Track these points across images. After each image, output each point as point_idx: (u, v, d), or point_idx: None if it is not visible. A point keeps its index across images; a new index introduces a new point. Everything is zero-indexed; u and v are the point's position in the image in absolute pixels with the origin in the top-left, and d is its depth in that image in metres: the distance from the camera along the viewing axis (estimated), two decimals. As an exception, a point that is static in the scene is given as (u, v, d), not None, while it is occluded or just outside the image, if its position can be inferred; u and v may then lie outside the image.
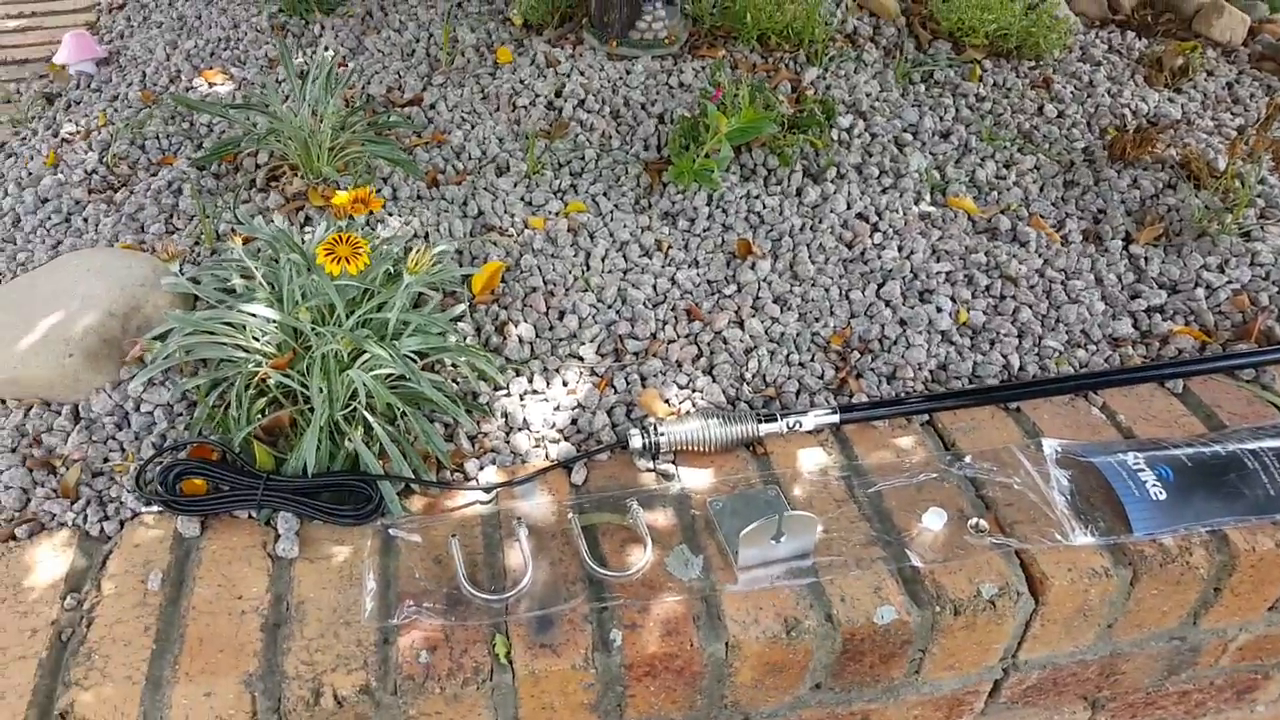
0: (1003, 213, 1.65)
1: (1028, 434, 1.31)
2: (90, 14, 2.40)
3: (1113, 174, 1.74)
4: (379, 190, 1.59)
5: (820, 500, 1.21)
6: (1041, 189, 1.72)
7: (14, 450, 1.23)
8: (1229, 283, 1.52)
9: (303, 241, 1.47)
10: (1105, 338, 1.45)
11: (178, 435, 1.24)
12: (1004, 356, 1.40)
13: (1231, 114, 1.95)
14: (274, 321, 1.20)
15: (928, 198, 1.68)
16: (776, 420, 1.27)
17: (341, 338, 1.16)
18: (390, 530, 1.16)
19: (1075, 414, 1.34)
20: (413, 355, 1.24)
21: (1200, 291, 1.50)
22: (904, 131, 1.81)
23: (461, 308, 1.30)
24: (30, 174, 1.72)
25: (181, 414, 1.27)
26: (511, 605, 1.09)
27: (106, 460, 1.22)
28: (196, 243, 1.50)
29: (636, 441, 1.24)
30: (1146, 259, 1.57)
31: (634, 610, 1.08)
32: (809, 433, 1.29)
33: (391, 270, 1.29)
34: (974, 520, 1.18)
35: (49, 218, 1.60)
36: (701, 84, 1.86)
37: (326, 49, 1.99)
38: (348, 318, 1.20)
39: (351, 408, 1.21)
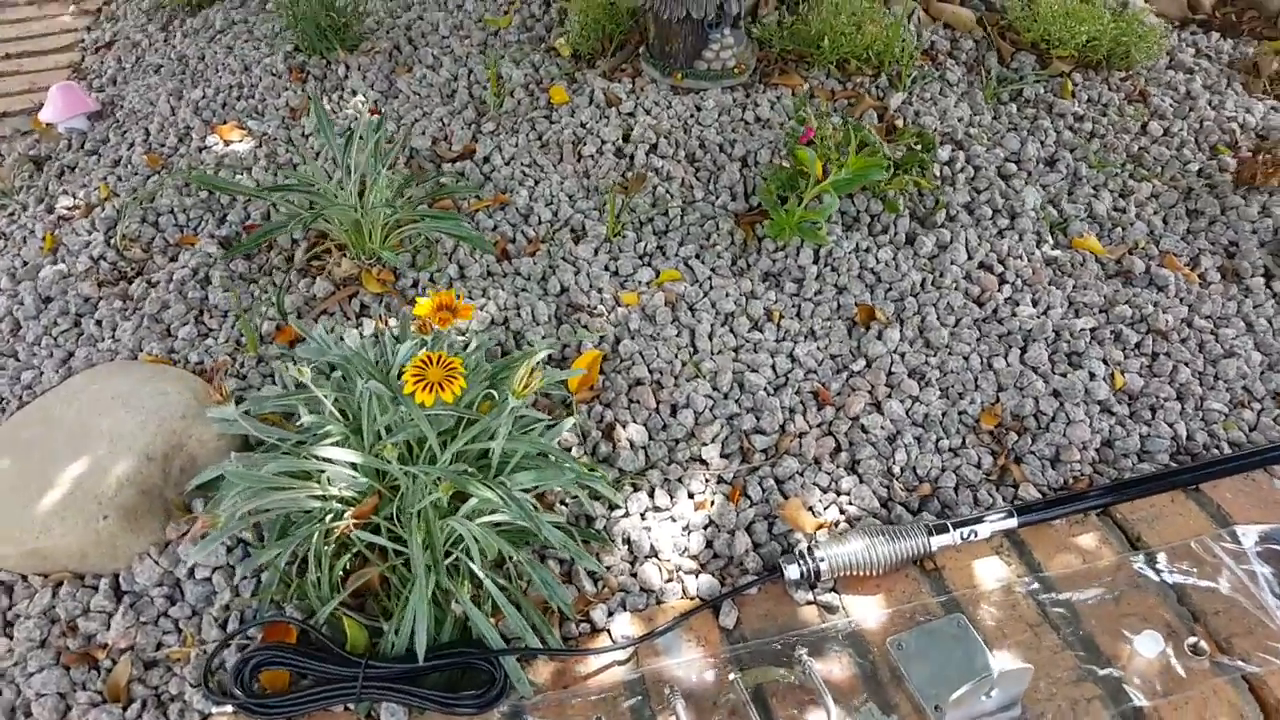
0: (1131, 252, 1.48)
1: (1214, 519, 1.15)
2: (74, 52, 2.14)
3: (1239, 201, 1.57)
4: (443, 269, 1.38)
5: (1012, 626, 1.04)
6: (1165, 221, 1.55)
7: (43, 644, 1.01)
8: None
9: (361, 336, 1.27)
10: (1269, 393, 1.29)
11: (244, 606, 1.03)
12: (1170, 426, 1.24)
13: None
14: (355, 465, 0.99)
15: (1050, 239, 1.50)
16: (949, 531, 1.09)
17: (442, 481, 0.96)
18: (522, 717, 0.97)
19: (1258, 490, 1.18)
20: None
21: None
22: (1006, 161, 1.63)
23: (572, 421, 1.10)
24: (26, 263, 1.48)
25: (246, 577, 1.06)
26: (683, 802, 0.90)
27: (160, 646, 1.01)
28: (237, 346, 1.28)
29: (794, 572, 1.05)
30: (1298, 298, 1.41)
31: (832, 798, 0.90)
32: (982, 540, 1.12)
33: (485, 395, 1.08)
34: (1192, 640, 1.02)
35: (55, 322, 1.37)
36: (780, 117, 1.67)
37: (355, 94, 1.76)
38: (441, 450, 1.00)
39: (452, 558, 1.01)
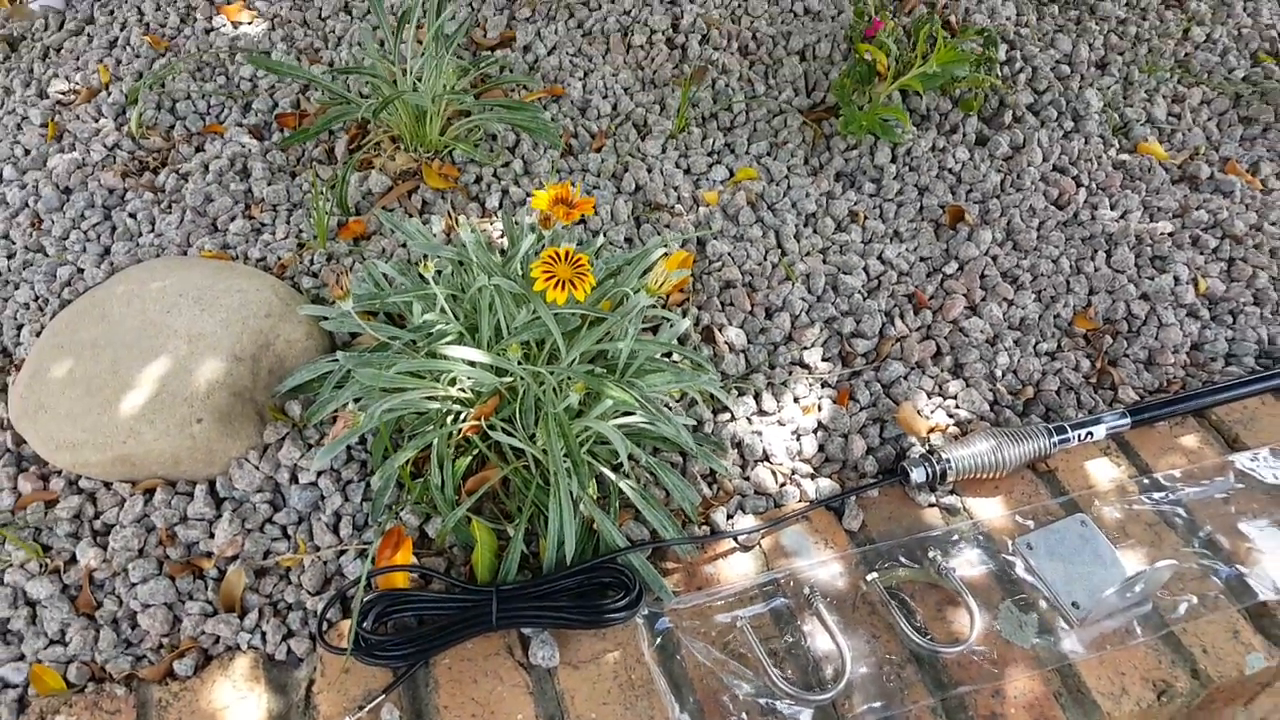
0: (1193, 158, 1.47)
1: (1304, 421, 1.16)
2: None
3: (1292, 108, 1.57)
4: (507, 164, 1.29)
5: (1132, 525, 1.04)
6: (1219, 127, 1.54)
7: (142, 553, 0.93)
8: None
9: (471, 230, 1.17)
10: (1341, 300, 1.31)
11: (354, 511, 0.96)
12: (1255, 330, 1.24)
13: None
14: (478, 364, 0.92)
15: (1115, 143, 1.48)
16: (1068, 432, 1.08)
17: (575, 383, 0.89)
18: (661, 622, 0.92)
19: (1344, 394, 1.19)
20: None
21: None
22: (1060, 63, 1.60)
23: (685, 324, 1.04)
24: (28, 152, 1.32)
25: (351, 480, 0.98)
26: (841, 704, 0.88)
27: (268, 554, 0.93)
28: (300, 246, 1.18)
29: (920, 474, 1.02)
30: (1358, 206, 1.42)
31: (988, 696, 0.89)
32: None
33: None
34: (1311, 538, 1.03)
35: (82, 215, 1.22)
36: (830, 10, 1.59)
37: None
38: (566, 351, 0.93)
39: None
